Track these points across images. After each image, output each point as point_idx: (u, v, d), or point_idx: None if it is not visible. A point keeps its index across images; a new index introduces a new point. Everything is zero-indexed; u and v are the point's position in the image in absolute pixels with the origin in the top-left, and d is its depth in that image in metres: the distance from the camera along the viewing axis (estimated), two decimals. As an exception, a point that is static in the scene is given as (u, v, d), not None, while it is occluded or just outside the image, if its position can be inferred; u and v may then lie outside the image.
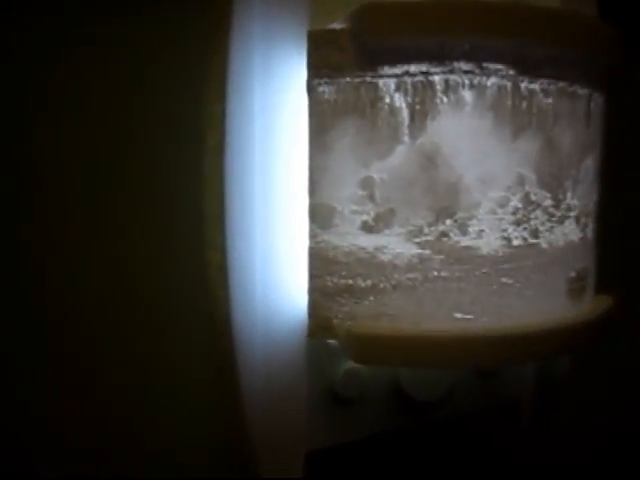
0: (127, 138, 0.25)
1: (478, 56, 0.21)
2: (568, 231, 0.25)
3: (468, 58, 0.21)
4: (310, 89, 0.22)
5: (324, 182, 0.23)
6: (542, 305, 0.24)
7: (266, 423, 0.26)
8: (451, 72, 0.21)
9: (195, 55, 0.25)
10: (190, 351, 0.27)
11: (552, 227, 0.24)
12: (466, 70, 0.21)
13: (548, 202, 0.23)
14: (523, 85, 0.22)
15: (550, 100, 0.23)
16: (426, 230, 0.22)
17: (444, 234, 0.22)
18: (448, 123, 0.22)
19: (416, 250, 0.22)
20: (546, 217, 0.24)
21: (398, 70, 0.21)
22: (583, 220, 0.26)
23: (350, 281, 0.23)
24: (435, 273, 0.22)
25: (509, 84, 0.22)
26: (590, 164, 0.25)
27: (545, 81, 0.22)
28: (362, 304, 0.23)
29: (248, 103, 0.23)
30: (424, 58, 0.21)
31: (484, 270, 0.23)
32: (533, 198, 0.23)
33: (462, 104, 0.22)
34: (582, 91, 0.24)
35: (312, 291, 0.23)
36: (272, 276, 0.24)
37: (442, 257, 0.22)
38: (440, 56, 0.21)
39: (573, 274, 0.25)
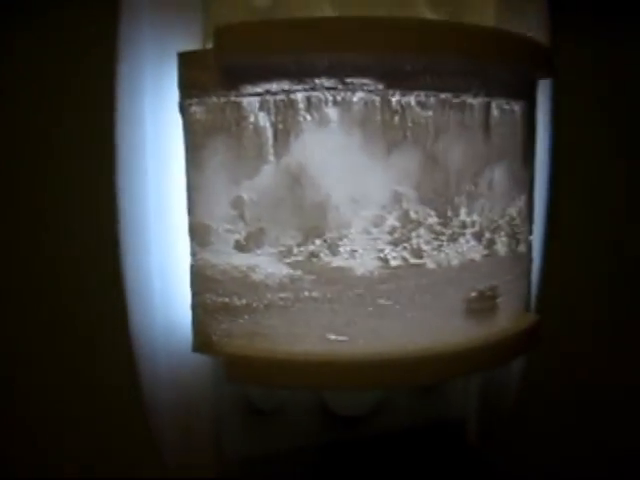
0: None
1: (340, 72, 0.21)
2: (465, 249, 0.23)
3: (329, 74, 0.20)
4: (182, 109, 0.23)
5: (200, 200, 0.23)
6: (431, 327, 0.23)
7: (173, 432, 0.27)
8: (313, 89, 0.21)
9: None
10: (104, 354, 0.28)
11: (440, 246, 0.23)
12: (328, 87, 0.21)
13: (433, 220, 0.22)
14: (394, 99, 0.21)
15: (429, 113, 0.22)
16: (295, 250, 0.22)
17: (314, 254, 0.22)
18: (313, 141, 0.21)
19: (287, 270, 0.22)
20: (432, 236, 0.22)
21: (260, 89, 0.21)
22: (488, 236, 0.24)
23: (226, 299, 0.23)
24: (307, 293, 0.22)
25: (377, 98, 0.21)
26: (496, 176, 0.24)
27: (422, 93, 0.21)
28: (237, 322, 0.23)
29: (136, 124, 0.24)
30: (284, 76, 0.21)
31: (358, 291, 0.22)
32: (413, 216, 0.22)
33: (326, 121, 0.21)
34: (475, 101, 0.22)
35: (195, 307, 0.24)
36: (170, 289, 0.25)
37: (313, 277, 0.22)
38: (300, 73, 0.21)
39: (474, 294, 0.24)
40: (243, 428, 0.29)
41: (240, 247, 0.22)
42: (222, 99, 0.21)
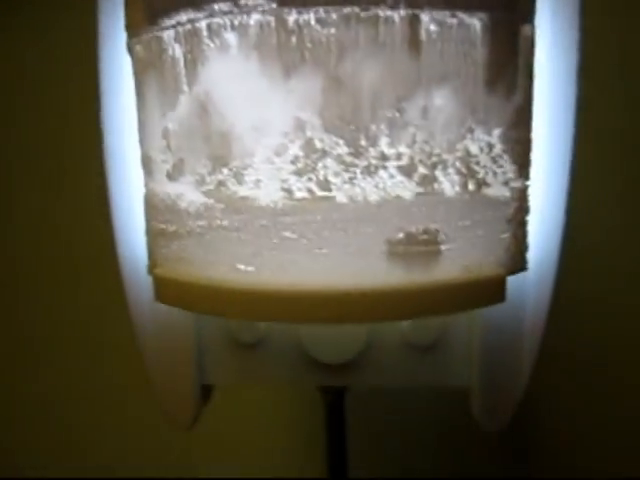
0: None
1: (232, -6, 0.20)
2: (388, 185, 0.21)
3: (223, -2, 0.20)
4: (129, 49, 0.24)
5: (144, 133, 0.25)
6: (345, 266, 0.21)
7: (157, 360, 0.30)
8: (212, 15, 0.21)
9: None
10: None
11: (352, 179, 0.21)
12: (225, 11, 0.20)
13: (342, 149, 0.21)
14: (291, 18, 0.20)
15: (331, 30, 0.20)
16: (207, 179, 0.22)
17: (222, 183, 0.22)
18: (216, 69, 0.21)
19: (203, 199, 0.23)
20: (341, 167, 0.21)
21: (173, 21, 0.22)
22: (424, 172, 0.21)
23: (162, 226, 0.24)
24: (218, 222, 0.22)
25: (272, 19, 0.20)
26: (436, 102, 0.21)
27: (321, 9, 0.20)
28: (170, 248, 0.24)
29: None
30: (189, 5, 0.21)
31: (263, 222, 0.22)
32: (318, 145, 0.21)
33: (227, 47, 0.21)
34: (394, 13, 0.20)
35: (146, 233, 0.26)
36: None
37: (222, 206, 0.22)
38: (198, 1, 0.21)
39: (401, 235, 0.21)
40: (224, 357, 0.31)
41: (169, 176, 0.24)
42: (149, 35, 0.23)
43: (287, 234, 0.21)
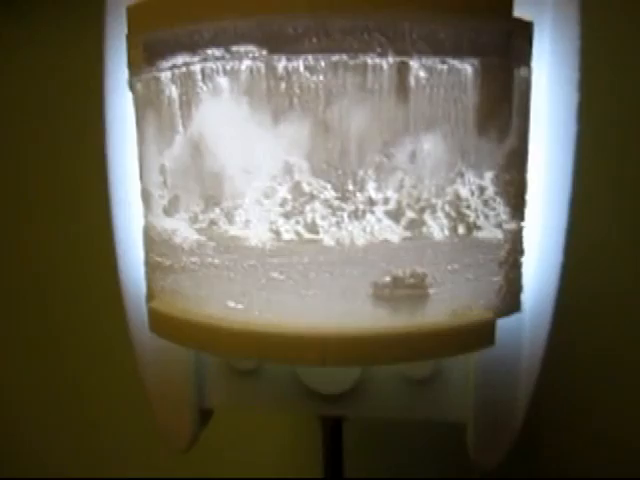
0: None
1: (225, 40, 0.20)
2: (376, 229, 0.21)
3: (215, 44, 0.21)
4: (130, 86, 0.25)
5: (144, 168, 0.25)
6: (331, 308, 0.22)
7: (156, 383, 0.31)
8: (205, 60, 0.21)
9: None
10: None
11: (339, 222, 0.21)
12: (217, 56, 0.21)
13: (329, 194, 0.21)
14: (280, 65, 0.20)
15: (320, 77, 0.20)
16: (200, 217, 0.23)
17: (214, 222, 0.22)
18: (209, 112, 0.22)
19: (196, 236, 0.23)
20: (329, 211, 0.21)
21: (169, 63, 0.22)
22: (411, 216, 0.21)
23: (159, 259, 0.25)
24: (209, 259, 0.23)
25: (262, 65, 0.20)
26: (426, 147, 0.21)
27: (310, 57, 0.20)
28: (166, 282, 0.25)
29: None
30: (183, 49, 0.21)
31: (251, 262, 0.22)
32: (306, 189, 0.21)
33: (219, 91, 0.21)
34: (382, 61, 0.20)
35: (145, 265, 0.27)
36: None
37: (214, 244, 0.23)
38: (194, 45, 0.21)
39: (387, 278, 0.21)
40: (222, 384, 0.31)
41: (166, 211, 0.24)
42: (148, 75, 0.23)
43: (275, 275, 0.22)
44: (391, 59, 0.20)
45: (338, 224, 0.21)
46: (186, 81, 0.22)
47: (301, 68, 0.20)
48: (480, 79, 0.21)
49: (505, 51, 0.22)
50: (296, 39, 0.20)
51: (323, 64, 0.20)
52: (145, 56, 0.23)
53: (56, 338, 0.46)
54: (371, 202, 0.21)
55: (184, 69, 0.22)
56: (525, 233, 0.25)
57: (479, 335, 0.22)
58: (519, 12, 0.23)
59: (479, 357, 0.28)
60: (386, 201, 0.21)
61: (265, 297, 0.22)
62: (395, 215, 0.21)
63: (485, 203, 0.22)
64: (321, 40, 0.20)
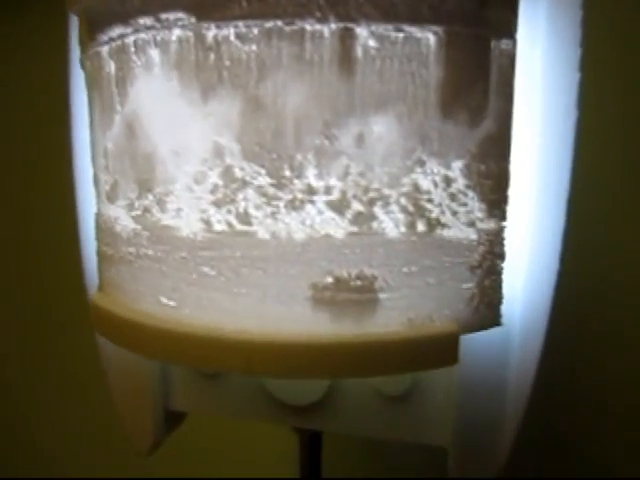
0: None
1: (154, 7, 0.18)
2: (317, 222, 0.18)
3: (145, 11, 0.19)
4: (82, 65, 0.24)
5: (93, 152, 0.24)
6: (264, 310, 0.19)
7: (120, 382, 0.29)
8: (137, 31, 0.19)
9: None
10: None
11: (275, 213, 0.18)
12: (148, 26, 0.19)
13: (263, 180, 0.18)
14: (210, 34, 0.18)
15: (252, 47, 0.17)
16: (136, 204, 0.21)
17: (147, 209, 0.20)
18: (142, 88, 0.20)
19: (132, 224, 0.21)
20: (263, 200, 0.18)
21: (107, 36, 0.20)
22: (359, 209, 0.18)
23: (104, 248, 0.23)
24: (144, 250, 0.21)
25: (191, 35, 0.18)
26: (376, 130, 0.18)
27: (241, 23, 0.17)
28: (110, 273, 0.23)
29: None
30: (117, 20, 0.20)
31: (182, 254, 0.20)
32: (238, 174, 0.18)
33: (151, 66, 0.19)
34: (324, 27, 0.17)
35: (97, 254, 0.25)
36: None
37: (148, 234, 0.21)
38: (125, 15, 0.19)
39: (329, 279, 0.19)
40: (187, 386, 0.29)
41: (108, 198, 0.22)
42: (91, 51, 0.22)
43: (206, 269, 0.19)
44: (333, 25, 0.17)
45: (274, 215, 0.18)
46: (121, 55, 0.20)
47: (232, 37, 0.18)
48: (445, 51, 0.18)
49: (478, 19, 0.18)
50: (225, 4, 0.17)
51: (256, 31, 0.17)
52: (88, 30, 0.21)
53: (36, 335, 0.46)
54: (311, 191, 0.18)
55: (119, 42, 0.20)
56: (509, 234, 0.22)
57: (437, 350, 0.19)
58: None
59: (462, 375, 0.24)
60: (328, 190, 0.18)
61: (196, 294, 0.20)
62: (339, 207, 0.18)
63: (452, 197, 0.19)
64: (252, 4, 0.17)
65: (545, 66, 0.21)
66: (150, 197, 0.20)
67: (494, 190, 0.20)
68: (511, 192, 0.21)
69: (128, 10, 0.19)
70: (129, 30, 0.20)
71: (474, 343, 0.24)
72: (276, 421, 0.28)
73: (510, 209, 0.22)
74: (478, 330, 0.21)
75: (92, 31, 0.21)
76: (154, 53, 0.19)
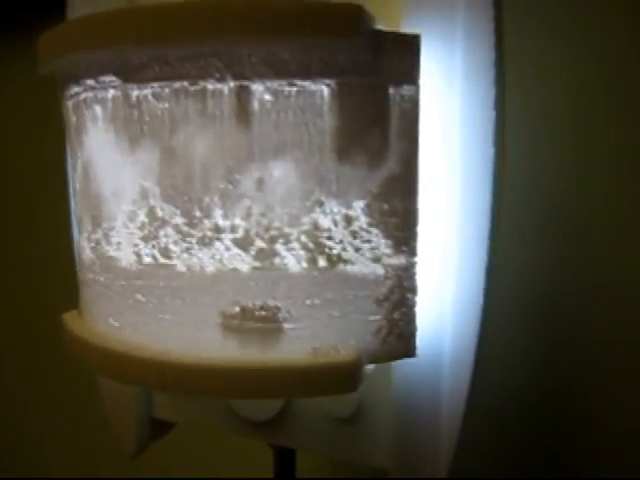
0: None
1: (94, 71, 0.21)
2: (225, 257, 0.20)
3: (90, 74, 0.22)
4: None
5: (71, 189, 0.27)
6: (183, 335, 0.21)
7: (109, 388, 0.33)
8: (86, 90, 0.22)
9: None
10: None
11: (189, 249, 0.21)
12: (92, 86, 0.22)
13: (179, 220, 0.21)
14: (134, 93, 0.20)
15: (165, 105, 0.20)
16: (92, 237, 0.24)
17: (98, 242, 0.23)
18: (92, 138, 0.23)
19: (90, 254, 0.24)
20: (179, 236, 0.21)
21: (69, 93, 0.24)
22: (262, 245, 0.20)
23: (78, 272, 0.27)
24: (97, 277, 0.24)
25: (120, 94, 0.21)
26: (275, 174, 0.20)
27: (156, 84, 0.20)
28: (82, 293, 0.26)
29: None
30: (73, 81, 0.23)
31: (122, 282, 0.22)
32: (159, 214, 0.21)
33: (96, 119, 0.22)
34: (222, 86, 0.19)
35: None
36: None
37: (100, 263, 0.24)
38: (78, 77, 0.22)
39: (236, 309, 0.21)
40: (168, 397, 0.32)
41: (78, 229, 0.26)
42: (63, 103, 0.25)
43: (139, 296, 0.22)
44: (231, 83, 0.19)
45: (188, 250, 0.21)
46: (78, 109, 0.23)
47: (149, 96, 0.20)
48: (339, 100, 0.20)
49: (372, 70, 0.20)
50: (142, 68, 0.20)
51: (167, 91, 0.20)
52: (59, 86, 0.25)
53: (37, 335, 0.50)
54: (218, 229, 0.20)
55: (76, 98, 0.23)
56: (432, 269, 0.23)
57: (338, 378, 0.20)
58: (425, 27, 0.21)
59: (400, 399, 0.25)
60: (234, 229, 0.20)
61: (133, 317, 0.22)
62: (243, 244, 0.20)
63: (355, 234, 0.21)
64: (162, 68, 0.20)
65: (463, 106, 0.22)
66: (99, 231, 0.23)
67: (400, 227, 0.21)
68: (425, 228, 0.22)
69: (79, 73, 0.22)
70: (81, 89, 0.23)
71: (408, 370, 0.25)
72: (242, 434, 0.30)
73: (432, 243, 0.23)
74: (388, 360, 0.22)
75: (61, 88, 0.25)
76: (97, 109, 0.22)
